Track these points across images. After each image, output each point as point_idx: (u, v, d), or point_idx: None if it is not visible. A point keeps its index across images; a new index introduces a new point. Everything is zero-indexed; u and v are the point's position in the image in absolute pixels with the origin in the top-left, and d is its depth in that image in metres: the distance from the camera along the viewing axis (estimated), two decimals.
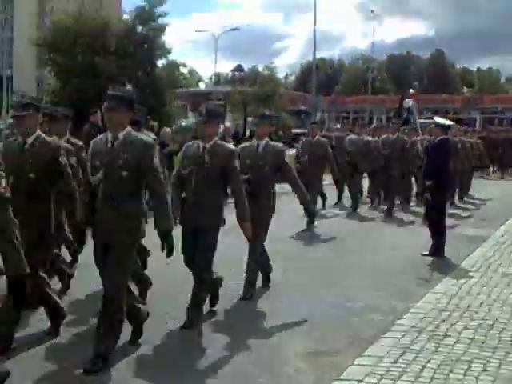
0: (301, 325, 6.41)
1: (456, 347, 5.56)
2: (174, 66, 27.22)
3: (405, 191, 15.05)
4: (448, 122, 10.11)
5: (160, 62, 27.42)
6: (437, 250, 9.79)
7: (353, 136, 15.35)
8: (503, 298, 7.17)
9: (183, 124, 26.64)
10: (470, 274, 8.41)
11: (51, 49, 24.17)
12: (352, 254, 9.83)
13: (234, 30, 49.23)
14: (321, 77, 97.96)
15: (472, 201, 17.32)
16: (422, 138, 15.14)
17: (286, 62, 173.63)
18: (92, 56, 23.63)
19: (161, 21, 25.60)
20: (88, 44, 23.74)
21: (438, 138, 9.86)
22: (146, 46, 24.71)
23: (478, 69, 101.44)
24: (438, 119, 10.12)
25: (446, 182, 9.80)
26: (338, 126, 54.97)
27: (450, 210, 14.92)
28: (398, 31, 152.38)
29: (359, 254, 9.92)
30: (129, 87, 21.53)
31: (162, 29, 25.53)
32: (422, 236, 10.43)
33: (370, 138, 15.14)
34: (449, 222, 13.25)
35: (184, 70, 71.38)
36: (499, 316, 6.47)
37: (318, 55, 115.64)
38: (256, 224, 6.64)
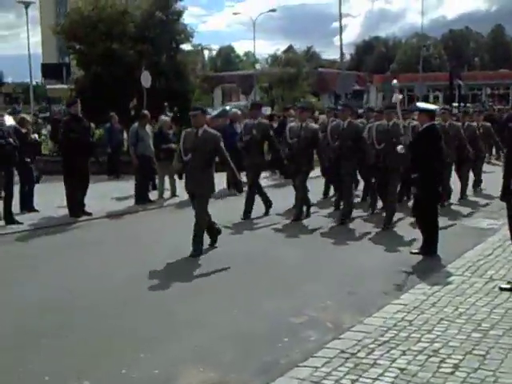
0: (214, 345, 5.51)
1: (378, 381, 4.57)
2: (195, 51, 26.18)
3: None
4: (432, 107, 8.94)
5: (186, 47, 26.51)
6: (427, 247, 8.70)
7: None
8: (471, 313, 6.06)
9: (227, 108, 25.79)
10: (451, 278, 7.30)
11: (69, 37, 23.68)
12: (326, 253, 8.85)
13: (271, 11, 48.75)
14: (375, 55, 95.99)
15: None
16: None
17: (345, 42, 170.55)
18: (110, 43, 22.97)
19: (178, 6, 24.75)
20: (106, 31, 23.10)
21: (424, 126, 8.73)
22: (165, 31, 23.87)
23: None
24: (422, 104, 8.96)
25: (434, 173, 8.65)
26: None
27: (471, 198, 13.83)
28: (459, 7, 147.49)
29: (334, 253, 8.92)
30: (145, 73, 20.77)
31: (179, 13, 24.68)
32: (416, 232, 9.30)
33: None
34: (464, 210, 12.22)
35: (240, 52, 70.71)
36: (453, 338, 5.40)
37: (377, 33, 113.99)
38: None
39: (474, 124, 14.29)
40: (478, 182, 14.78)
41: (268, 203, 11.85)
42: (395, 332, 5.58)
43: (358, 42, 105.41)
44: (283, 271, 7.96)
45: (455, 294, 6.71)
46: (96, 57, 23.13)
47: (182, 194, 10.61)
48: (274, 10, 51.07)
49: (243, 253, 8.85)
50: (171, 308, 6.57)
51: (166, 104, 21.19)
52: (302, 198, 11.27)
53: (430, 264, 8.17)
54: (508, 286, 6.81)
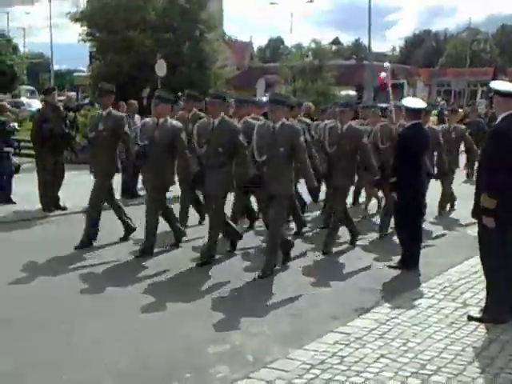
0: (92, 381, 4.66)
1: None
2: (218, 41, 25.24)
3: None
4: (421, 105, 7.87)
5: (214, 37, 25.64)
6: (406, 261, 7.69)
7: None
8: (420, 349, 5.05)
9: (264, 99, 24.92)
10: (417, 301, 6.28)
11: (89, 24, 23.15)
12: (285, 268, 7.85)
13: (309, 2, 47.63)
14: (425, 49, 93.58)
15: None
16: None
17: (396, 36, 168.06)
18: (129, 31, 22.32)
19: None
20: (126, 18, 22.46)
21: (408, 124, 7.71)
22: (187, 19, 23.10)
23: None
24: (408, 101, 7.90)
25: (416, 179, 7.62)
26: (441, 101, 51.39)
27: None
28: None
29: (294, 268, 7.87)
30: (160, 62, 20.03)
31: (202, 2, 23.84)
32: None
33: None
34: (464, 217, 11.01)
35: (288, 44, 69.52)
36: None
37: (430, 27, 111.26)
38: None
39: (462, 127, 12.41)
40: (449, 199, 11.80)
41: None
42: (318, 372, 4.64)
43: (407, 36, 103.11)
44: (225, 287, 7.00)
45: (413, 322, 5.70)
46: (114, 44, 22.53)
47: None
48: (311, 1, 49.53)
49: (175, 262, 7.97)
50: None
51: (179, 94, 20.40)
52: (335, 228, 8.65)
53: (402, 282, 7.16)
54: (478, 316, 5.78)
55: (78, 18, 23.69)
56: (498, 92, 5.72)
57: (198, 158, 7.82)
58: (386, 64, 10.32)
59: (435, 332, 5.45)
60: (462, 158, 13.84)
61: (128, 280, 7.12)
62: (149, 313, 6.10)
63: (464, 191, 11.51)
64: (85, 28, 23.93)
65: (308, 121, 10.40)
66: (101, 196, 8.67)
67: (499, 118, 5.72)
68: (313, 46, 22.70)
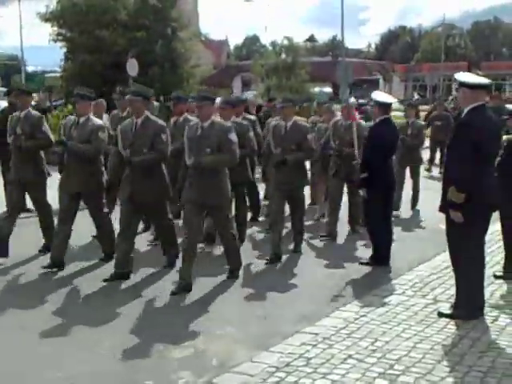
0: None
1: None
2: (192, 39, 24.94)
3: None
4: (390, 99, 7.75)
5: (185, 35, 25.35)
6: (377, 257, 7.58)
7: None
8: (388, 348, 4.92)
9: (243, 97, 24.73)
10: (388, 298, 6.16)
11: (60, 24, 22.82)
12: (254, 266, 7.70)
13: None
14: (400, 45, 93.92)
15: None
16: None
17: (371, 32, 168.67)
18: (100, 31, 22.02)
19: None
20: (97, 18, 22.15)
21: (378, 120, 7.60)
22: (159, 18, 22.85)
23: None
24: (378, 95, 7.78)
25: (386, 174, 7.51)
26: (416, 96, 51.55)
27: None
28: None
29: (261, 266, 7.70)
30: (131, 61, 19.76)
31: (172, 0, 23.61)
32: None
33: None
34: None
35: (264, 42, 69.24)
36: None
37: (404, 24, 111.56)
38: None
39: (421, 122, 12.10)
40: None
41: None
42: (283, 375, 4.49)
43: (382, 32, 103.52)
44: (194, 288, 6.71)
45: (382, 320, 5.58)
46: (86, 45, 22.21)
47: None
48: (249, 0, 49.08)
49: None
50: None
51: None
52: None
53: (372, 278, 7.04)
54: (448, 312, 5.67)
55: (47, 18, 23.33)
56: (464, 84, 5.60)
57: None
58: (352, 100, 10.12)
59: (404, 330, 5.33)
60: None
61: (77, 281, 6.92)
62: (106, 315, 5.90)
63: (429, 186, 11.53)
64: (55, 28, 23.59)
65: (252, 117, 9.67)
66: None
67: (465, 111, 5.60)
68: (285, 42, 22.62)
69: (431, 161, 15.99)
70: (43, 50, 63.98)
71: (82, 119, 7.35)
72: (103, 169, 7.65)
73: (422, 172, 12.54)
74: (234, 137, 6.73)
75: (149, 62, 22.13)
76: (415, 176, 11.11)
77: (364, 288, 6.65)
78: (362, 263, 7.63)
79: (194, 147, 6.66)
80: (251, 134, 8.29)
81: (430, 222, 9.72)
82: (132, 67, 20.03)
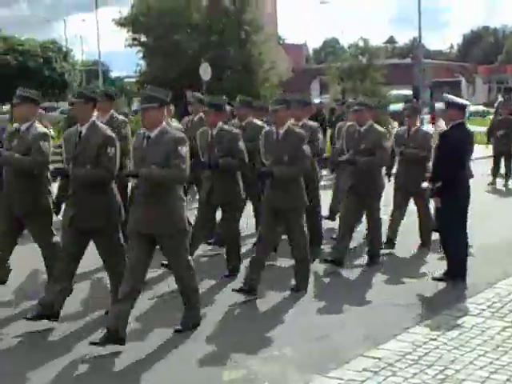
0: None
1: None
2: (267, 43, 24.61)
3: None
4: (465, 101, 7.19)
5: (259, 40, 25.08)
6: (452, 272, 7.02)
7: None
8: (458, 378, 4.44)
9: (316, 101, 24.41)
10: (461, 320, 5.63)
11: (134, 29, 23.03)
12: (318, 281, 7.29)
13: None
14: (483, 46, 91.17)
15: None
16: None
17: (454, 33, 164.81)
18: (175, 35, 22.05)
19: None
20: (171, 22, 22.20)
21: (452, 124, 7.03)
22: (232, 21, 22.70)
23: None
24: (453, 97, 7.21)
25: (461, 182, 6.95)
26: (500, 98, 49.97)
27: None
28: None
29: (325, 280, 7.30)
30: (204, 65, 19.69)
31: (246, 3, 23.38)
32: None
33: None
34: None
35: (344, 44, 68.46)
36: None
37: (488, 24, 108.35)
38: None
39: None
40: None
41: None
42: None
43: (465, 33, 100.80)
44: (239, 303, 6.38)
45: (454, 344, 5.07)
46: (159, 49, 22.33)
47: None
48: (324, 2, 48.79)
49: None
50: None
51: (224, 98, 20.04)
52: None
53: (445, 297, 6.51)
54: None
55: (122, 24, 23.60)
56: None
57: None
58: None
59: (478, 357, 4.81)
60: None
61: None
62: (153, 336, 5.61)
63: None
64: (130, 33, 23.85)
65: (315, 124, 8.22)
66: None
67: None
68: (361, 44, 22.06)
69: (495, 172, 14.00)
70: (121, 55, 65.33)
71: (23, 126, 6.08)
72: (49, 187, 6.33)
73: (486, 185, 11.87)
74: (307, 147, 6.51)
75: (222, 66, 22.01)
76: None
77: (435, 307, 6.13)
78: (434, 279, 7.09)
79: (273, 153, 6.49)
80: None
81: (509, 234, 9.04)
82: (205, 71, 19.98)
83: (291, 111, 6.91)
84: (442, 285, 6.91)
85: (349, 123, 8.24)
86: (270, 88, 23.73)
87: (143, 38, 23.38)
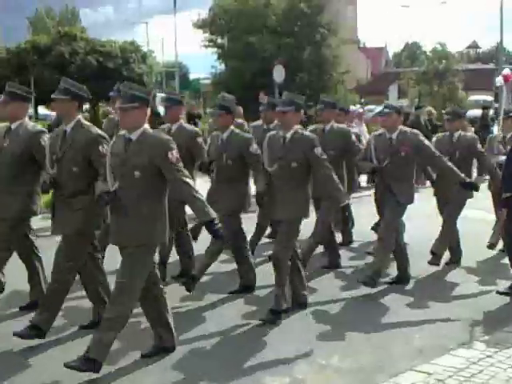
0: None
1: None
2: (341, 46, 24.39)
3: None
4: None
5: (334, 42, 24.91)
6: None
7: None
8: None
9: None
10: None
11: (212, 31, 23.27)
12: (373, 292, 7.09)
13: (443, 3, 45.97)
14: None
15: None
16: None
17: None
18: (251, 36, 22.15)
19: None
20: (248, 24, 22.32)
21: None
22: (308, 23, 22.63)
23: None
24: None
25: None
26: None
27: None
28: None
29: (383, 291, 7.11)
30: (277, 67, 19.64)
31: (321, 6, 23.24)
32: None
33: None
34: None
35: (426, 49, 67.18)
36: None
37: None
38: None
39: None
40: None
41: None
42: None
43: None
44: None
45: (509, 363, 4.84)
46: (235, 51, 22.50)
47: None
48: (444, 2, 47.85)
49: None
50: None
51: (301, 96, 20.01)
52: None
53: (509, 311, 6.23)
54: None
55: (200, 25, 23.90)
56: None
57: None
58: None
59: None
60: None
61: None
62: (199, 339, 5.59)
63: None
64: (207, 35, 24.12)
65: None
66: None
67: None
68: (438, 48, 21.55)
69: None
70: (199, 57, 66.20)
71: (13, 125, 5.67)
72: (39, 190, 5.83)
73: None
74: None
75: (296, 68, 21.96)
76: None
77: (497, 322, 5.87)
78: (498, 292, 6.81)
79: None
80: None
81: None
82: (278, 73, 19.94)
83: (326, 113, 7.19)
84: (505, 299, 6.63)
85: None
86: (343, 91, 23.54)
87: (220, 40, 23.59)
